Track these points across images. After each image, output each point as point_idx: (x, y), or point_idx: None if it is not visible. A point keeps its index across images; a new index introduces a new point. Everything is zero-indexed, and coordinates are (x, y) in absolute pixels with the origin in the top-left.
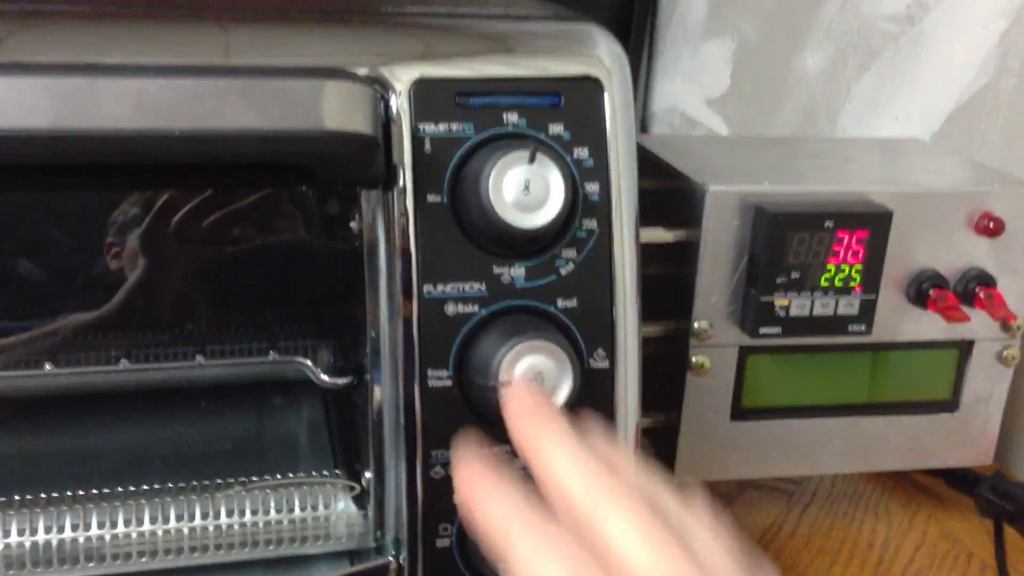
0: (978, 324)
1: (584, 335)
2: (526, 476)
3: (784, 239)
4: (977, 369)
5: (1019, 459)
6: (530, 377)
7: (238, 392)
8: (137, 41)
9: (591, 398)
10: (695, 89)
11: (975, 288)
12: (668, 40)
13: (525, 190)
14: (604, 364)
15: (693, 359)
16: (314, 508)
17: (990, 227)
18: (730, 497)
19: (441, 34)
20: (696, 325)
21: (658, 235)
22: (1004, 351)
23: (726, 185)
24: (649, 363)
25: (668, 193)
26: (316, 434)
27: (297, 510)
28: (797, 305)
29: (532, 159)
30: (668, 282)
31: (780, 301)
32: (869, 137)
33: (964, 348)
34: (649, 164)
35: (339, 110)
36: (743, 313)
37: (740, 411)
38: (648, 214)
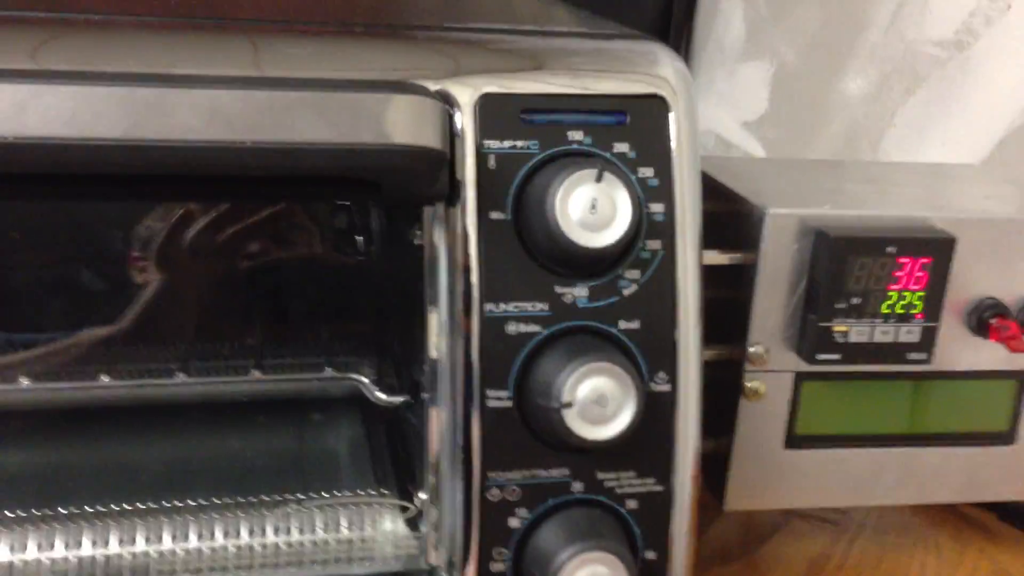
0: None
1: (646, 357)
2: None
3: (845, 263)
4: None
5: None
6: (593, 399)
7: (283, 409)
8: (205, 52)
9: (652, 421)
10: (732, 111)
11: None
12: (704, 62)
13: (592, 209)
14: (666, 387)
15: (747, 384)
16: (361, 528)
17: None
18: (776, 527)
19: (505, 51)
20: (752, 350)
21: (714, 258)
22: None
23: (786, 208)
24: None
25: (724, 215)
26: (359, 453)
27: (344, 530)
28: (856, 331)
29: (599, 178)
30: (723, 306)
31: (839, 327)
32: (920, 162)
33: (1023, 379)
34: (704, 186)
35: (409, 124)
36: (800, 338)
37: (794, 439)
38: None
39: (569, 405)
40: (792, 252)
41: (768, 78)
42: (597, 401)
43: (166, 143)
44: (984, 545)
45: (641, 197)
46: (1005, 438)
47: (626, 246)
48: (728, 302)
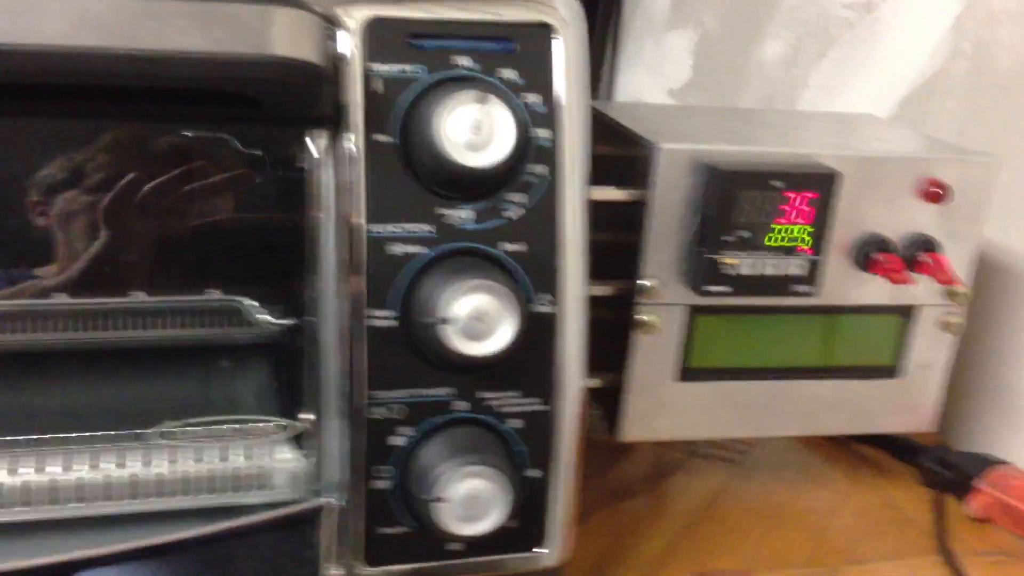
0: (922, 290)
1: (530, 279)
2: None
3: (733, 197)
4: (921, 336)
5: (961, 429)
6: (473, 316)
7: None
8: None
9: (535, 343)
10: (658, 79)
11: (920, 253)
12: (632, 32)
13: (475, 130)
14: (549, 309)
15: (640, 317)
16: (249, 456)
17: (936, 194)
18: (678, 464)
19: None
20: (644, 283)
21: (611, 193)
22: (947, 318)
23: (677, 144)
24: (601, 324)
25: (624, 156)
26: (264, 391)
27: (233, 457)
28: (746, 264)
29: (482, 100)
30: (623, 245)
31: (728, 260)
32: (821, 111)
33: (908, 314)
34: (607, 129)
35: (286, 37)
36: (692, 271)
37: (687, 372)
38: (606, 178)
39: (448, 321)
40: (684, 187)
41: (692, 46)
42: (477, 318)
43: (33, 48)
44: (876, 480)
45: (527, 121)
46: (890, 372)
47: (510, 169)
48: (627, 239)
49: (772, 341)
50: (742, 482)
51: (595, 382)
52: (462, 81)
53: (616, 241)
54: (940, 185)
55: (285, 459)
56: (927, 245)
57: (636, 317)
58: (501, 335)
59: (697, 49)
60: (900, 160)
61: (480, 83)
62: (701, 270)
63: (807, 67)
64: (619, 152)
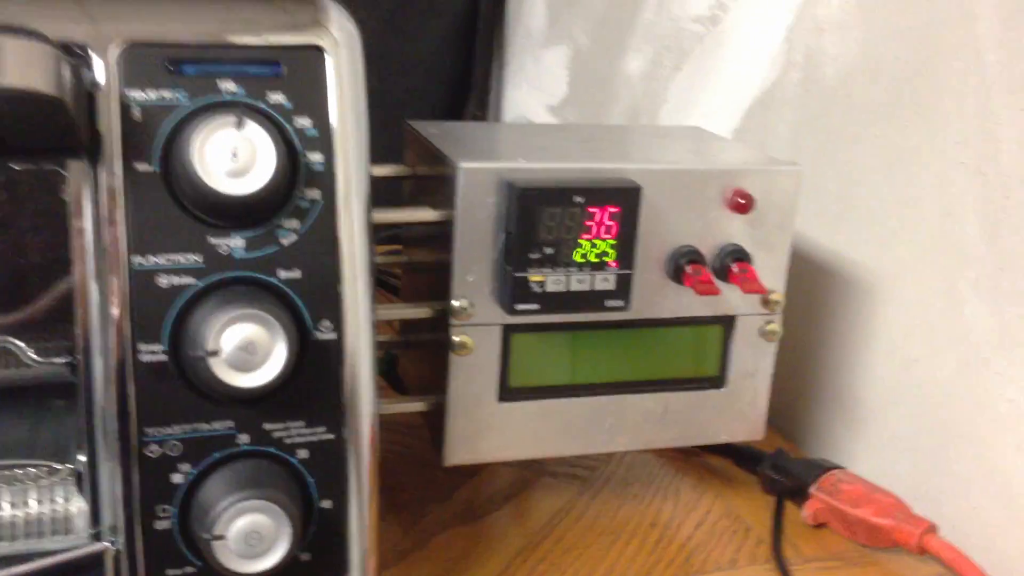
0: (739, 300)
1: (309, 307)
2: None
3: (534, 214)
4: (742, 345)
5: (812, 436)
6: (240, 347)
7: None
8: None
9: (318, 370)
10: (538, 95)
11: (732, 263)
12: (515, 49)
13: (233, 156)
14: (331, 335)
15: (454, 338)
16: (19, 504)
17: (742, 204)
18: (526, 484)
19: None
20: (456, 304)
21: (422, 215)
22: (766, 326)
23: (479, 162)
24: (426, 346)
25: (437, 176)
26: (40, 433)
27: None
28: (553, 281)
29: (239, 125)
30: (442, 266)
31: (535, 277)
32: (651, 125)
33: (729, 324)
34: (423, 149)
35: (14, 67)
36: (501, 290)
37: (508, 392)
38: (427, 198)
39: (215, 353)
40: (488, 206)
41: (567, 61)
42: (244, 349)
43: None
44: (721, 490)
45: (298, 145)
46: (715, 382)
47: (277, 195)
48: (445, 260)
49: (592, 357)
50: (588, 499)
51: (418, 405)
52: (223, 107)
53: (436, 262)
54: (744, 196)
55: (59, 504)
56: (738, 255)
57: (451, 338)
58: (272, 365)
59: (572, 65)
60: (705, 173)
61: (239, 108)
62: (510, 288)
63: (665, 81)
64: (433, 172)
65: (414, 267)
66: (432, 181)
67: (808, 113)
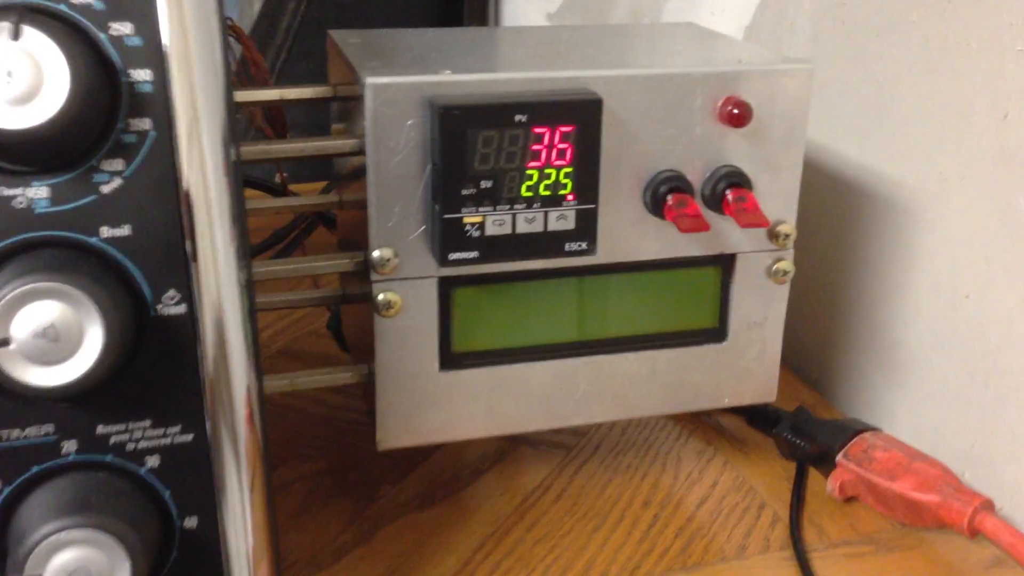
0: (739, 235)
1: (145, 272)
2: None
3: (464, 139)
4: (745, 288)
5: (843, 389)
6: (36, 332)
7: None
8: None
9: (164, 354)
10: (537, 3)
11: (724, 190)
12: None
13: (7, 77)
14: (179, 309)
15: (379, 296)
16: None
17: (736, 115)
18: (498, 457)
19: None
20: (376, 255)
21: (324, 145)
22: (774, 265)
23: (391, 76)
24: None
25: (352, 97)
26: None
27: None
28: (494, 222)
29: (15, 33)
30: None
31: (471, 218)
32: (632, 24)
33: (727, 265)
34: (341, 64)
35: None
36: (430, 236)
37: (451, 357)
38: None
39: (3, 343)
40: (407, 131)
41: None
42: (43, 335)
43: None
44: (731, 456)
45: (115, 60)
46: (715, 335)
47: (87, 126)
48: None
49: (554, 312)
50: (571, 474)
51: (344, 376)
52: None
53: (360, 202)
54: (739, 104)
55: None
56: (734, 179)
57: (374, 296)
58: (84, 356)
59: None
60: (687, 77)
61: (16, 11)
62: (440, 234)
63: None
64: (349, 92)
65: (346, 206)
66: (350, 104)
67: (830, 1)
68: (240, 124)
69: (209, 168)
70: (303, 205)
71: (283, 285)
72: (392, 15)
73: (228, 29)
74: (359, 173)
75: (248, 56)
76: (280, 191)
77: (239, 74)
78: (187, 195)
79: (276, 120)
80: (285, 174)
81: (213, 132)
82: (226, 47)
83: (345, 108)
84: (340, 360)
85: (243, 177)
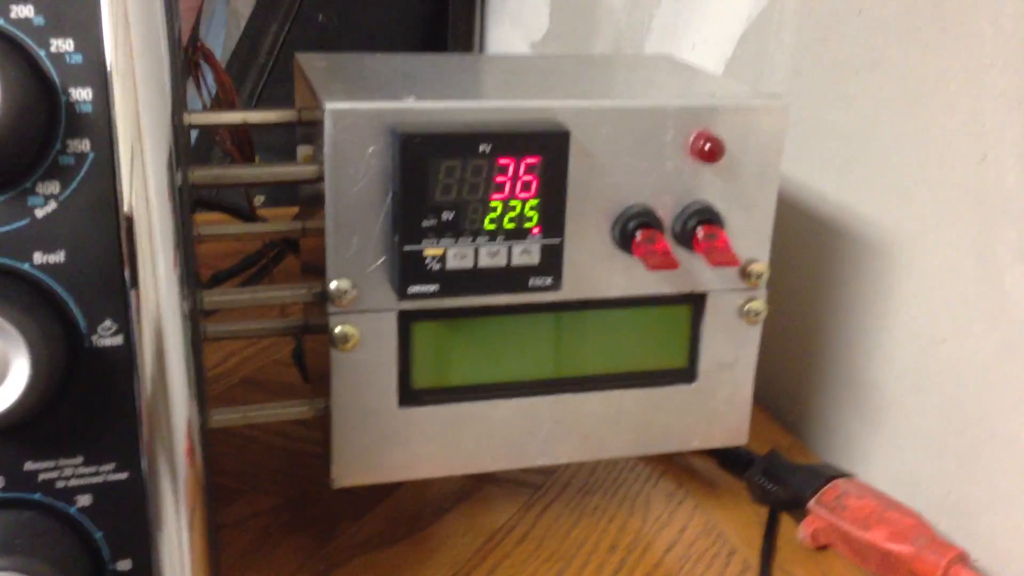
0: (710, 273)
1: (79, 301)
2: None
3: (426, 168)
4: (716, 328)
5: (821, 432)
6: None
7: None
8: None
9: (98, 388)
10: (521, 32)
11: (695, 227)
12: None
13: None
14: (115, 340)
15: (335, 329)
16: None
17: (707, 151)
18: (463, 495)
19: None
20: (333, 286)
21: (281, 171)
22: (746, 305)
23: (352, 102)
24: (318, 335)
25: (314, 123)
26: None
27: None
28: (455, 255)
29: None
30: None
31: (431, 250)
32: (607, 54)
33: (697, 303)
34: (304, 87)
35: None
36: (391, 267)
37: (411, 393)
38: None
39: None
40: (368, 158)
41: None
42: None
43: None
44: (702, 500)
45: (54, 77)
46: (684, 375)
47: (21, 146)
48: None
49: (518, 349)
50: (537, 514)
51: (299, 410)
52: None
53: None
54: (711, 139)
55: None
56: (705, 216)
57: (331, 329)
58: (8, 389)
59: None
60: (658, 111)
61: None
62: (399, 266)
63: (649, 8)
64: (312, 116)
65: (309, 235)
66: (313, 128)
67: (811, 37)
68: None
69: (152, 191)
70: (266, 232)
71: (250, 313)
72: (377, 40)
73: (196, 49)
74: (321, 200)
75: (216, 78)
76: (249, 216)
77: (215, 97)
78: (128, 220)
79: (244, 143)
80: (261, 197)
81: (157, 154)
82: (177, 67)
83: (309, 133)
84: (305, 391)
85: (213, 201)
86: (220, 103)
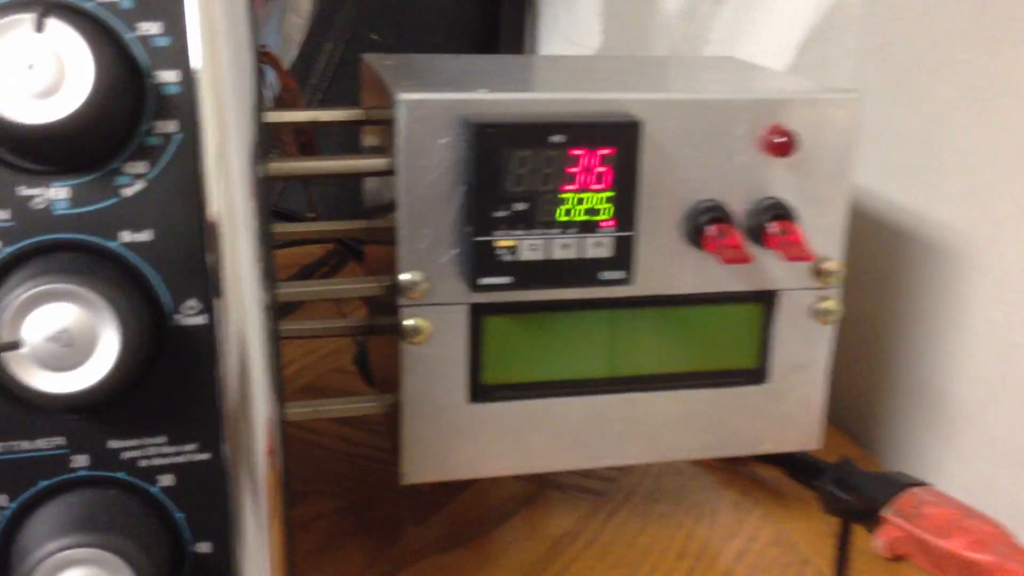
0: (782, 270)
1: (166, 280)
2: None
3: (499, 159)
4: (788, 328)
5: (890, 442)
6: (49, 336)
7: None
8: None
9: (182, 367)
10: (573, 48)
11: (767, 222)
12: (546, 0)
13: (29, 69)
14: (199, 320)
15: (406, 323)
16: None
17: (780, 144)
18: (526, 501)
19: None
20: (404, 278)
21: (354, 164)
22: (819, 304)
23: (424, 92)
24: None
25: (385, 119)
26: None
27: None
28: (528, 246)
29: (38, 26)
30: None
31: (503, 242)
32: (670, 56)
33: (769, 301)
34: (373, 85)
35: None
36: (463, 259)
37: (481, 390)
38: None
39: (14, 346)
40: (440, 150)
41: (600, 8)
42: (56, 339)
43: None
44: (771, 509)
45: (142, 59)
46: (754, 376)
47: (109, 125)
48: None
49: (590, 345)
50: (603, 520)
51: (370, 406)
52: (23, 5)
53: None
54: (784, 133)
55: None
56: (778, 211)
57: (401, 322)
58: (98, 362)
59: (606, 11)
60: (731, 103)
61: (41, 4)
62: (472, 257)
63: (707, 18)
64: (382, 113)
65: (375, 235)
66: (384, 124)
67: (875, 40)
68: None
69: (235, 174)
70: (332, 231)
71: (309, 314)
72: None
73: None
74: (389, 200)
75: (281, 81)
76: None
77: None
78: (211, 200)
79: (307, 147)
80: (316, 208)
81: (240, 137)
82: (255, 58)
83: (376, 133)
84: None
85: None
86: (283, 106)
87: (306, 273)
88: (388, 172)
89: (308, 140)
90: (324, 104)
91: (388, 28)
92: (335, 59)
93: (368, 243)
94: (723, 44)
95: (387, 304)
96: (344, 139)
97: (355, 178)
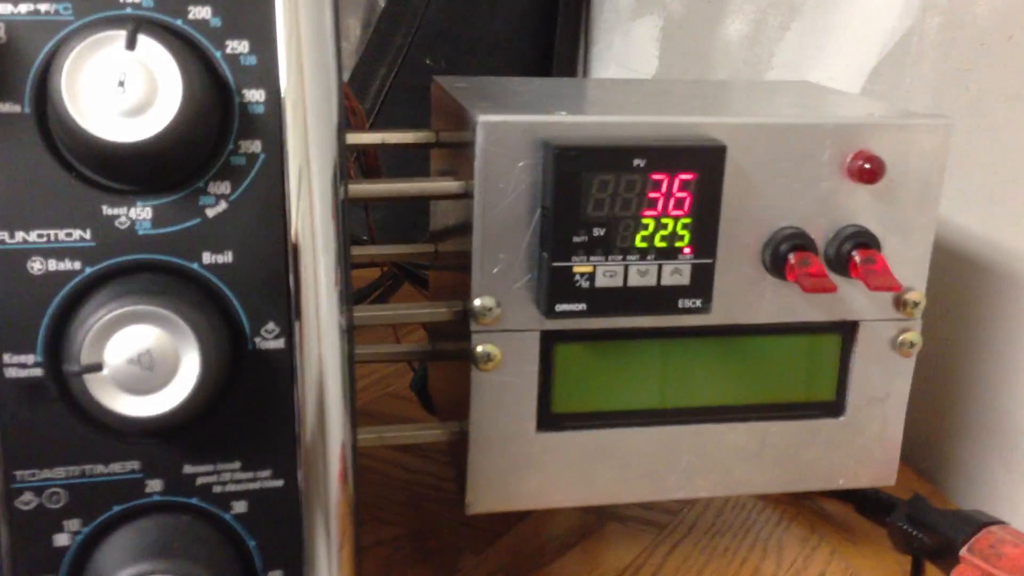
0: (863, 300)
1: (245, 302)
2: None
3: (578, 183)
4: (867, 359)
5: (961, 479)
6: (131, 358)
7: None
8: None
9: (259, 391)
10: (628, 74)
11: (851, 251)
12: (601, 27)
13: (119, 87)
14: (277, 344)
15: (478, 348)
16: None
17: (868, 171)
18: (585, 532)
19: None
20: (477, 303)
21: (431, 186)
22: (901, 335)
23: (503, 114)
24: (450, 359)
25: (460, 142)
26: None
27: None
28: (605, 272)
29: (130, 43)
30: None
31: (580, 268)
32: (746, 80)
33: (848, 332)
34: (446, 107)
35: None
36: (537, 285)
37: (550, 418)
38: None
39: (95, 368)
40: (518, 172)
41: (657, 34)
42: (137, 361)
43: None
44: (839, 546)
45: (229, 78)
46: (831, 409)
47: (195, 145)
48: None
49: (662, 375)
50: (664, 554)
51: (434, 433)
52: (115, 22)
53: (461, 251)
54: (871, 159)
55: None
56: (862, 240)
57: (473, 348)
58: (179, 385)
59: (662, 36)
60: (816, 128)
61: (133, 21)
62: (547, 283)
63: (771, 44)
64: (456, 136)
65: (442, 260)
66: (456, 147)
67: (953, 66)
68: None
69: (316, 196)
70: (398, 254)
71: (365, 338)
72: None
73: None
74: (458, 224)
75: (348, 104)
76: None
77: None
78: (294, 225)
79: (371, 171)
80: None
81: (322, 158)
82: (340, 79)
83: (448, 154)
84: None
85: None
86: (350, 129)
87: (360, 297)
88: (463, 195)
89: (372, 163)
90: (378, 125)
91: (442, 53)
92: (388, 83)
93: (432, 268)
94: (787, 69)
95: (453, 330)
96: (406, 165)
97: (426, 200)
